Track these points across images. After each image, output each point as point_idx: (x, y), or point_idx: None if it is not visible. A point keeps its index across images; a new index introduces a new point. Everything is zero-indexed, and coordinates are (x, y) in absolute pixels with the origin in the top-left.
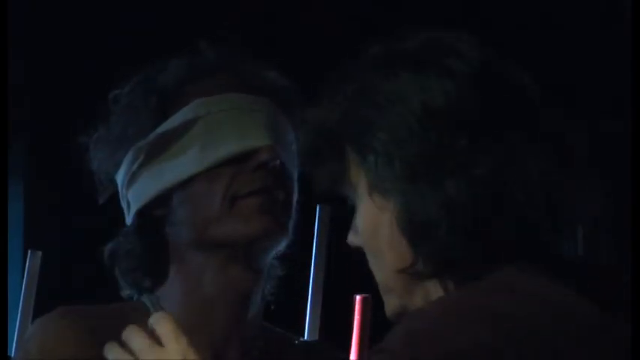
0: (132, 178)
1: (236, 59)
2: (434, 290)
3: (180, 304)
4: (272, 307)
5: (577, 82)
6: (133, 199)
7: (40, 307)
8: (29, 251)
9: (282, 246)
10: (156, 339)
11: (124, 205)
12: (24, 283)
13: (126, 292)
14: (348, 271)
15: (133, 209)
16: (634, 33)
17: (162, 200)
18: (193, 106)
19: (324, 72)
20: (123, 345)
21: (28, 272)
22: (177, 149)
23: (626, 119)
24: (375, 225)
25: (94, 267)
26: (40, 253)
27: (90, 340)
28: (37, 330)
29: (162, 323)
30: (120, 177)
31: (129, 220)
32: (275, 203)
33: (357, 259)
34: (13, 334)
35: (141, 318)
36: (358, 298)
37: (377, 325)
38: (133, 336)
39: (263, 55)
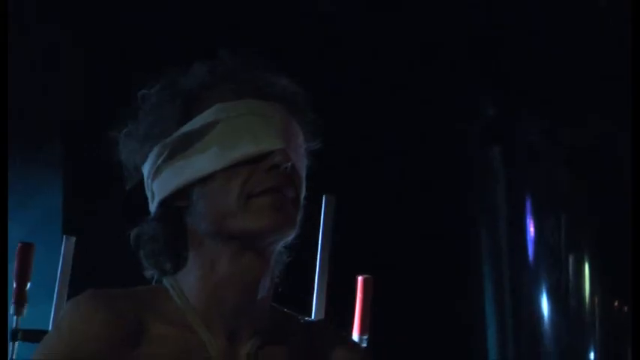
0: (156, 172)
1: (252, 67)
2: None
3: (196, 286)
4: (280, 290)
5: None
6: (157, 190)
7: (76, 289)
8: (64, 237)
9: (290, 236)
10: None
11: (148, 194)
12: (59, 266)
13: (149, 274)
14: (352, 255)
15: (157, 199)
16: (634, 33)
17: (183, 193)
18: (214, 110)
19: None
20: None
21: (63, 256)
22: (198, 148)
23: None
24: None
25: (124, 251)
26: (74, 238)
27: (115, 321)
28: (67, 310)
29: None
30: (146, 169)
31: (152, 208)
32: (285, 201)
33: (360, 244)
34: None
35: (161, 302)
36: (360, 278)
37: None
38: None
39: (274, 63)
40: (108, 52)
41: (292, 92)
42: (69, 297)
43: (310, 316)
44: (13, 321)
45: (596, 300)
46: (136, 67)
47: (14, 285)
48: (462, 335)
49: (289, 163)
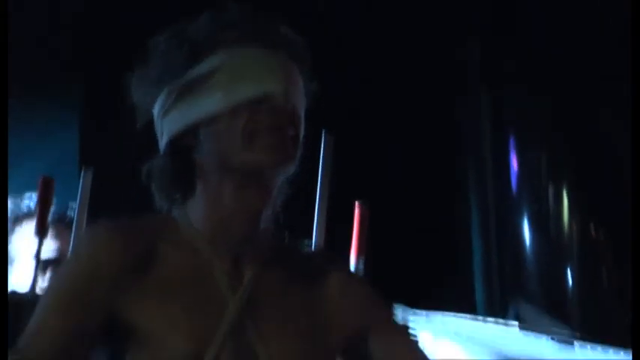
0: (165, 113)
1: (255, 17)
2: None
3: (203, 215)
4: (281, 219)
5: None
6: (166, 129)
7: (93, 219)
8: (83, 169)
9: (290, 172)
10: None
11: (158, 133)
12: (78, 197)
13: (160, 205)
14: (349, 183)
15: (166, 138)
16: (634, 33)
17: (190, 132)
18: (219, 56)
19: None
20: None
21: (81, 187)
22: (204, 91)
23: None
24: None
25: (137, 183)
26: (92, 169)
27: (128, 248)
28: (84, 239)
29: None
30: (156, 110)
31: (162, 145)
32: (286, 139)
33: (357, 174)
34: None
35: (171, 230)
36: (357, 203)
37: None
38: None
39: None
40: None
41: (292, 40)
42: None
43: (312, 240)
44: (40, 247)
45: (574, 225)
46: (149, 15)
47: (37, 216)
48: (450, 256)
49: (290, 104)
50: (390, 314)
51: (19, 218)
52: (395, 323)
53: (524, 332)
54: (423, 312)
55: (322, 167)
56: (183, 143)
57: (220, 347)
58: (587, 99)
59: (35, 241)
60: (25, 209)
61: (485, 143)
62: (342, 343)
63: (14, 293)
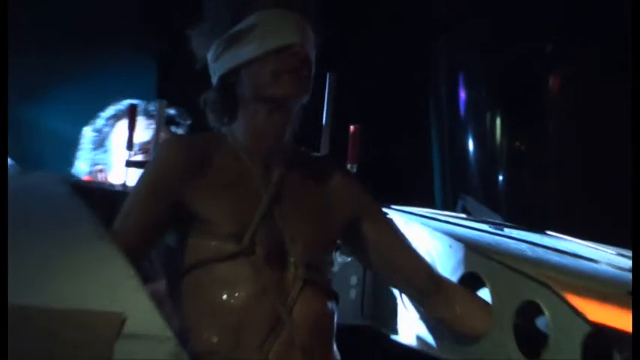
0: (216, 58)
1: None
2: None
3: (243, 133)
4: (298, 135)
5: None
6: (216, 70)
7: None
8: (158, 100)
9: (305, 100)
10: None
11: (211, 73)
12: (156, 120)
13: (213, 125)
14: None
15: (217, 76)
16: (634, 33)
17: (234, 72)
18: (255, 16)
19: None
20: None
21: (158, 114)
22: (243, 42)
23: None
24: None
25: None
26: (165, 101)
27: (190, 155)
28: (159, 149)
29: None
30: (209, 56)
31: (214, 82)
32: (302, 77)
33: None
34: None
35: (221, 143)
36: (352, 127)
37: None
38: None
39: None
40: None
41: (306, 4)
42: None
43: (319, 152)
44: (130, 156)
45: (504, 141)
46: None
47: (127, 135)
48: (417, 166)
49: (304, 52)
50: (377, 205)
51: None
52: (380, 210)
53: (470, 222)
54: (397, 207)
55: (327, 99)
56: (229, 81)
57: (256, 228)
58: (514, 50)
59: (126, 152)
60: (94, 131)
61: (443, 84)
62: (342, 227)
63: (112, 186)
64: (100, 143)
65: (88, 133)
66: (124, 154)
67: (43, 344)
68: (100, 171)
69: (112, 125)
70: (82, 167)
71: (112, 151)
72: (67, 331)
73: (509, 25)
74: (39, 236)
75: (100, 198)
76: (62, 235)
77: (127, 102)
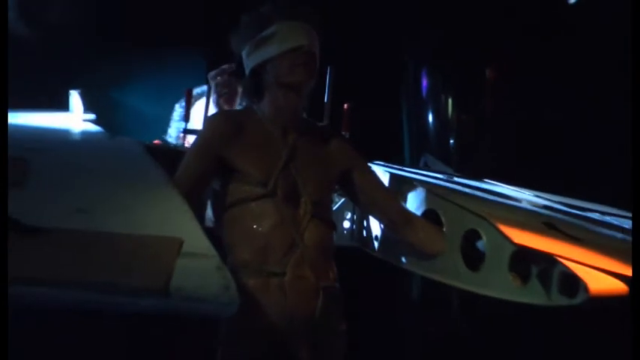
0: (248, 55)
1: (296, 5)
2: None
3: (268, 108)
4: (307, 110)
5: None
6: (249, 64)
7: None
8: (206, 84)
9: (311, 85)
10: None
11: (245, 66)
12: (205, 100)
13: (247, 101)
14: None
15: (249, 68)
16: (634, 33)
17: (262, 65)
18: (274, 26)
19: None
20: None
21: (206, 95)
22: (268, 44)
23: None
24: None
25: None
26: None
27: (229, 123)
28: (207, 119)
29: None
30: (243, 54)
31: (247, 72)
32: (310, 69)
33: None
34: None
35: (252, 115)
36: (345, 105)
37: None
38: None
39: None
40: None
41: (313, 17)
42: None
43: (322, 122)
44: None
45: (454, 112)
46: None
47: (184, 109)
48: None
49: (311, 51)
50: (364, 160)
51: (176, 110)
52: (366, 164)
53: (430, 173)
54: (378, 162)
55: (328, 84)
56: (258, 71)
57: (277, 177)
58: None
59: (183, 123)
60: (179, 107)
61: (410, 74)
62: (338, 176)
63: (175, 146)
64: (185, 116)
65: (177, 109)
66: (182, 124)
67: (126, 260)
68: (185, 136)
69: (192, 104)
70: (171, 132)
71: (193, 122)
72: (141, 250)
73: (454, 34)
74: (120, 181)
75: (165, 155)
76: (136, 181)
77: (200, 88)
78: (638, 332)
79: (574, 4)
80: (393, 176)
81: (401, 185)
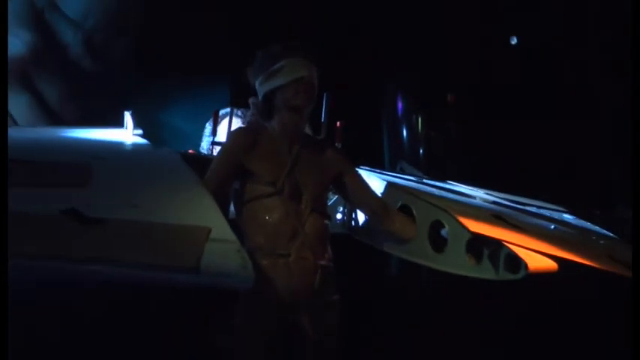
0: (260, 85)
1: (299, 45)
2: None
3: (277, 125)
4: (309, 127)
5: None
6: (261, 91)
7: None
8: (230, 107)
9: (311, 108)
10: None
11: (258, 92)
12: (228, 118)
13: (260, 120)
14: (336, 114)
15: (261, 94)
16: (634, 32)
17: (272, 92)
18: (282, 62)
19: None
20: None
21: (229, 116)
22: (276, 76)
23: None
24: None
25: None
26: (234, 109)
27: (247, 137)
28: (230, 134)
29: None
30: (257, 82)
31: (260, 97)
32: (310, 95)
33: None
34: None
35: (265, 131)
36: (338, 122)
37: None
38: None
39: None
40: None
41: (312, 54)
42: None
43: (320, 136)
44: (214, 138)
45: (424, 128)
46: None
47: (212, 125)
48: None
49: (311, 82)
50: (353, 166)
51: (206, 127)
52: (354, 169)
53: (404, 176)
54: (363, 167)
55: (324, 108)
56: (269, 97)
57: (284, 179)
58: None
59: (211, 137)
60: (209, 125)
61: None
62: (333, 178)
63: (205, 155)
64: (213, 132)
65: (207, 127)
66: (210, 137)
67: (166, 245)
68: (213, 147)
69: (219, 122)
70: (203, 145)
71: (219, 136)
72: (177, 237)
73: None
74: (162, 182)
75: (197, 162)
76: (175, 182)
77: (225, 110)
78: (638, 332)
79: (515, 45)
80: (374, 178)
81: (381, 185)
